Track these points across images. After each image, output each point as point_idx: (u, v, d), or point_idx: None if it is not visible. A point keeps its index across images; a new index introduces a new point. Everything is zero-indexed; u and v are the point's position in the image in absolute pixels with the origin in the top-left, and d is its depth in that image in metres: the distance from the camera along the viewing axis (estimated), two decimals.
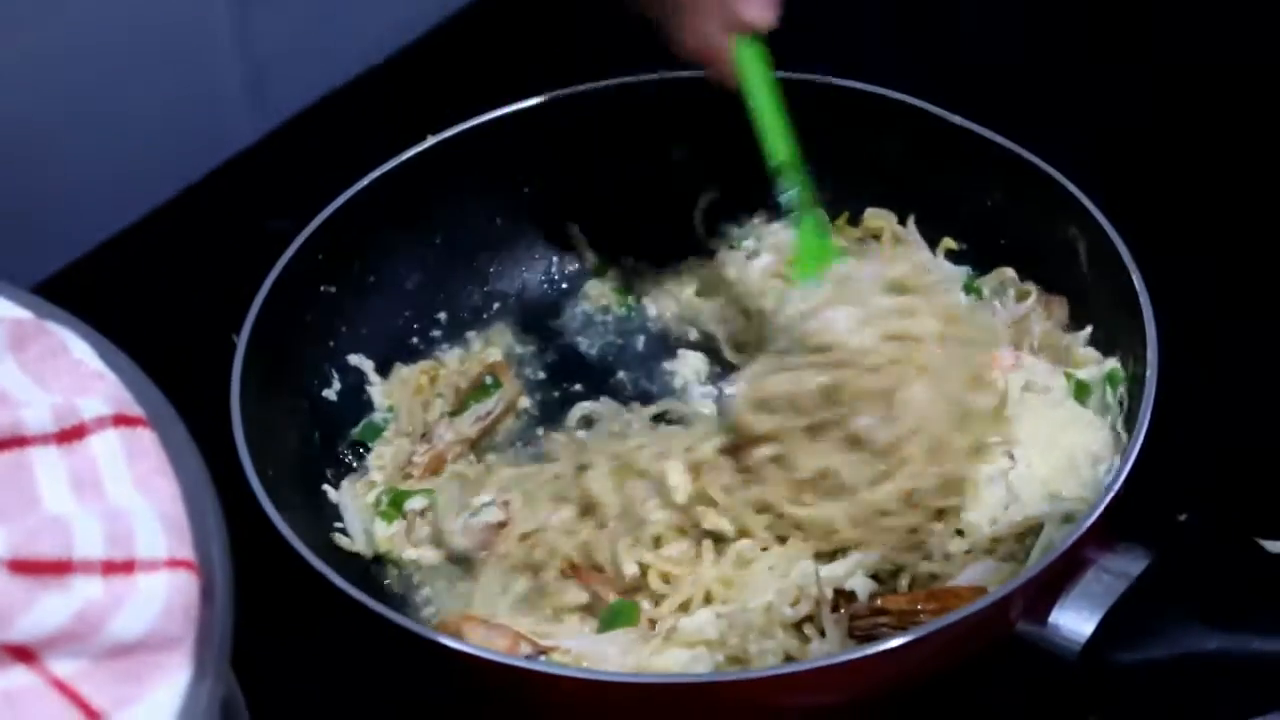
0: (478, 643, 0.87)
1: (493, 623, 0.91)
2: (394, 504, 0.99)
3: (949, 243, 1.11)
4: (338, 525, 1.00)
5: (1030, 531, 0.92)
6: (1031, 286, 1.06)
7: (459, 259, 1.14)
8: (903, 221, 1.12)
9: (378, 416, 1.06)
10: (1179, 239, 1.16)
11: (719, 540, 0.92)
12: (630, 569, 0.91)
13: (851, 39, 0.94)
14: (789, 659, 0.87)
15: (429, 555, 0.97)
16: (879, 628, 0.86)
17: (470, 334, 1.13)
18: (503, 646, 0.88)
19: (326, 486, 1.01)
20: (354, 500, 1.01)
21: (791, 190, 0.97)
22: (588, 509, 0.95)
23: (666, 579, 0.91)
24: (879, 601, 0.87)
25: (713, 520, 0.92)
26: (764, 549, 0.92)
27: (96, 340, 0.60)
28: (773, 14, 0.93)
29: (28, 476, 0.54)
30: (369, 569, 0.99)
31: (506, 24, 1.37)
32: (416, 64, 1.41)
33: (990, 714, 0.91)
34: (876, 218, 1.13)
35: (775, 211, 1.08)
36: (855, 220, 1.14)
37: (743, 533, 0.92)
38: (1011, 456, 0.95)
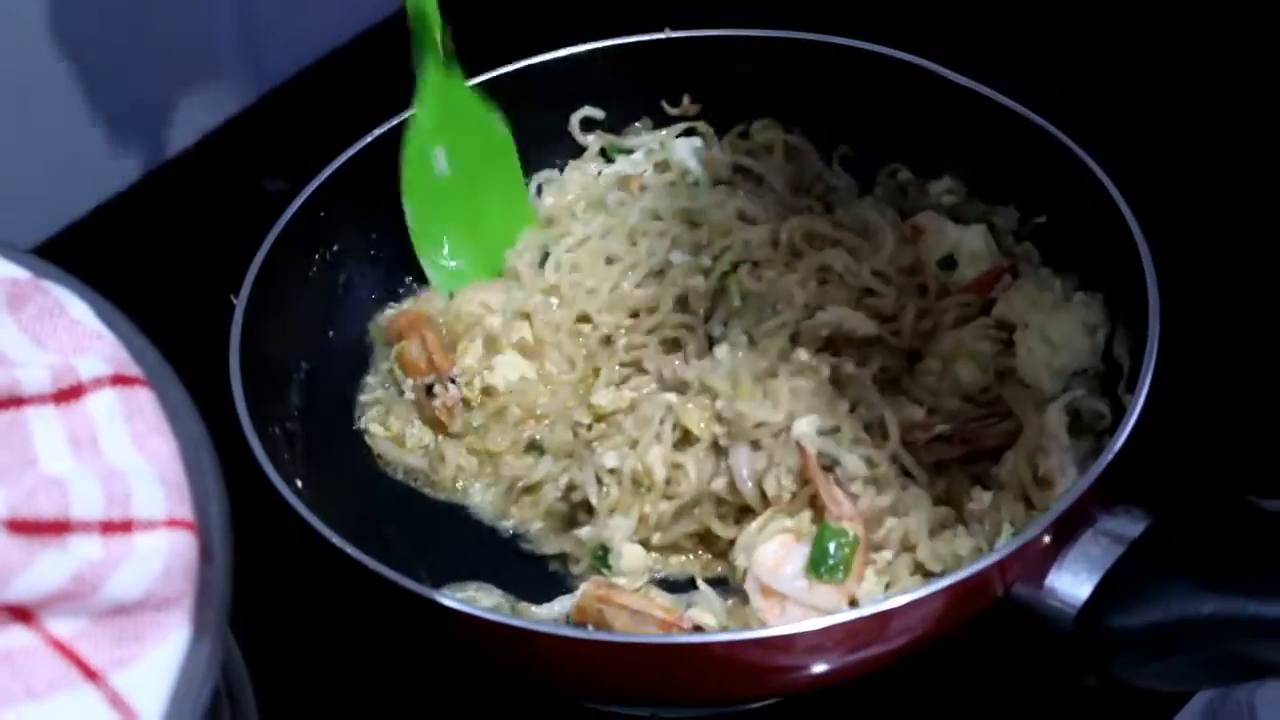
0: (623, 628, 0.87)
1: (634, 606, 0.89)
2: None
3: (844, 150, 1.12)
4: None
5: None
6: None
7: None
8: (790, 131, 1.12)
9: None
10: (1182, 199, 1.16)
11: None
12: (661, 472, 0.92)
13: None
14: None
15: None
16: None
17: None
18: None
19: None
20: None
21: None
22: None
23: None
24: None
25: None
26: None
27: (94, 300, 0.59)
28: None
29: (24, 436, 0.54)
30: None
31: None
32: None
33: (984, 679, 0.91)
34: (765, 130, 1.12)
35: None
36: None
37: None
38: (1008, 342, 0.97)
